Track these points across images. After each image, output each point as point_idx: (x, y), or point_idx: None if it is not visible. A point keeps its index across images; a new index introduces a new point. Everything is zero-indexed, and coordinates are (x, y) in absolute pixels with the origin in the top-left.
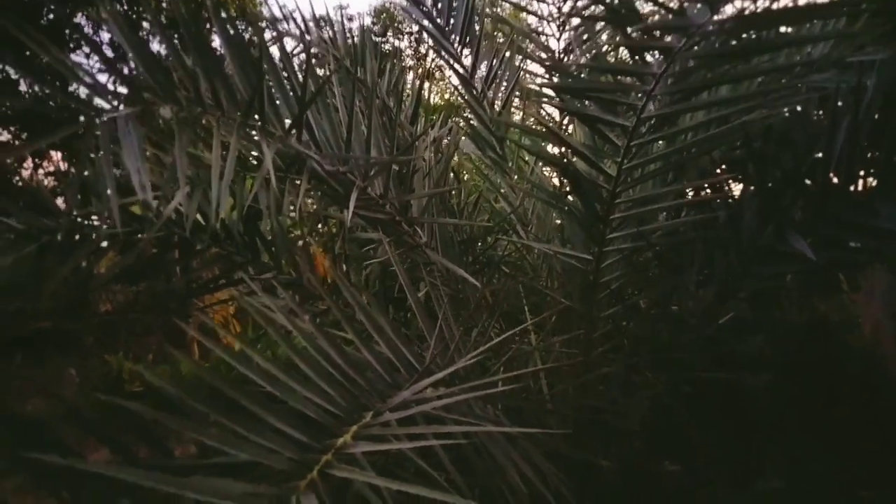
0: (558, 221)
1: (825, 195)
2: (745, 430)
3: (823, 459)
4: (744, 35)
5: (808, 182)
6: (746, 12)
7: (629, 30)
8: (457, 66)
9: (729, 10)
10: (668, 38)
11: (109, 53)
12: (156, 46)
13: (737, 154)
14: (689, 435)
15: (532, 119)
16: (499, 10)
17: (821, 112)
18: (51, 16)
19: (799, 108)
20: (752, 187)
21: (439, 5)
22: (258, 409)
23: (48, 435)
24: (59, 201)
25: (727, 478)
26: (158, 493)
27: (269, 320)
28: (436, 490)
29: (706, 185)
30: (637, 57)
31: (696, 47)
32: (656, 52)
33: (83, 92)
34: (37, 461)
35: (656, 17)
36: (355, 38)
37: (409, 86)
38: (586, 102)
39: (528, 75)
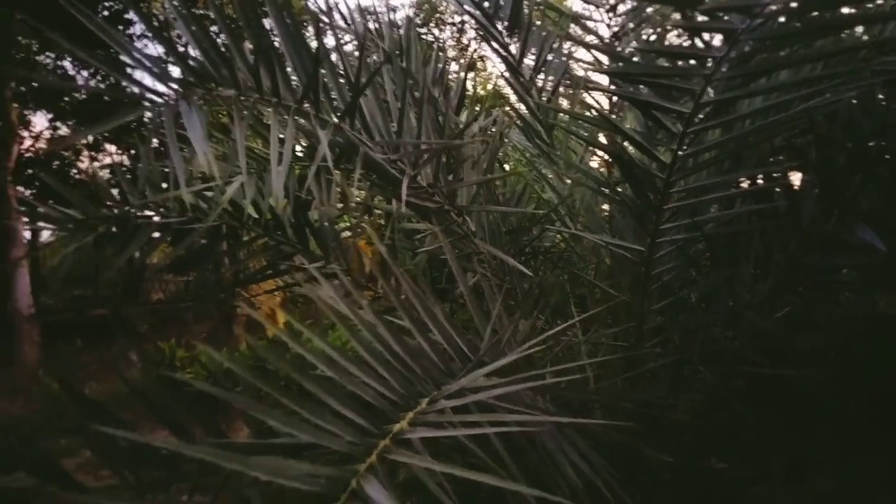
0: (606, 212)
1: (894, 182)
2: (798, 426)
3: (878, 459)
4: (806, 16)
5: (875, 168)
6: None
7: (689, 11)
8: (504, 53)
9: None
10: (729, 20)
11: (159, 48)
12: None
13: (797, 141)
14: (740, 431)
15: (579, 106)
16: None
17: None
18: (105, 12)
19: (865, 93)
20: (814, 175)
21: None
22: (320, 391)
23: (112, 415)
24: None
25: (779, 475)
26: (216, 475)
27: (330, 307)
28: (489, 476)
29: (765, 174)
30: (694, 40)
31: (759, 29)
32: (714, 35)
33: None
34: (102, 439)
35: None
36: (401, 29)
37: (452, 76)
38: (641, 88)
39: (577, 62)
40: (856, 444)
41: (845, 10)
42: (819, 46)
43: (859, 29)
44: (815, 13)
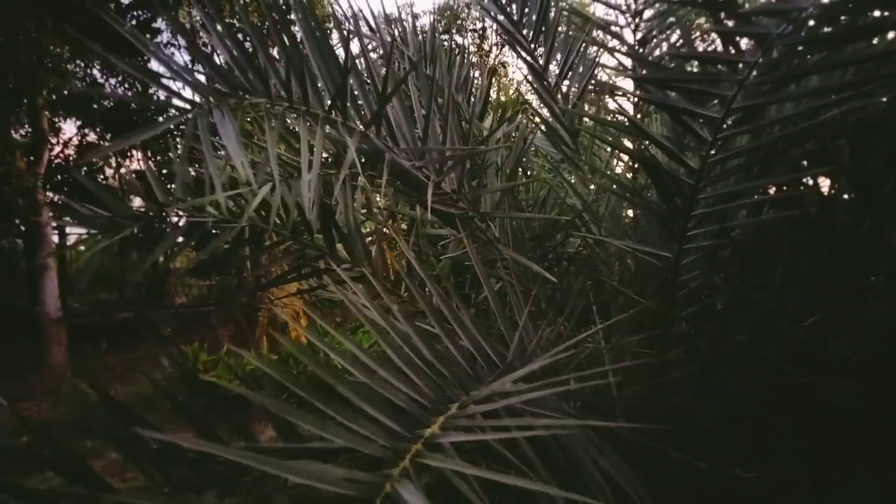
0: (630, 217)
1: None
2: (827, 436)
3: None
4: (838, 20)
5: None
6: None
7: (722, 16)
8: (530, 59)
9: None
10: (762, 24)
11: (186, 57)
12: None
13: (829, 146)
14: (768, 440)
15: (603, 111)
16: (569, 2)
17: None
18: (133, 21)
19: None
20: (845, 181)
21: None
22: (354, 396)
23: (138, 416)
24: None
25: (807, 485)
26: (245, 479)
27: (361, 311)
28: (520, 478)
29: (794, 180)
30: (725, 45)
31: (792, 34)
32: (747, 39)
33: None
34: (130, 441)
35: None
36: (425, 36)
37: (475, 82)
38: (670, 93)
39: (603, 68)
40: (888, 455)
41: (877, 14)
42: (851, 51)
43: (891, 34)
44: (846, 18)
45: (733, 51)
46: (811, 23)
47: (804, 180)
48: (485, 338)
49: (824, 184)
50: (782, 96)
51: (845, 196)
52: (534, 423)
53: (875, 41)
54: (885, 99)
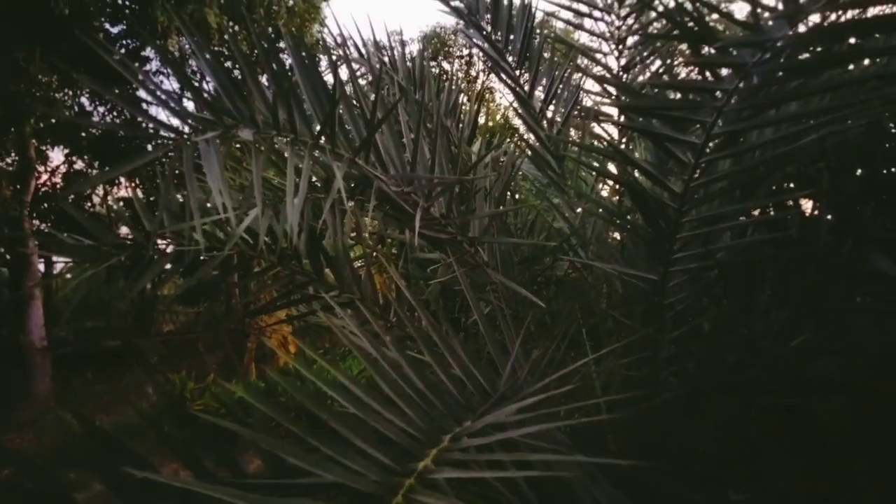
0: (617, 241)
1: None
2: (817, 457)
3: None
4: (814, 49)
5: (886, 197)
6: (824, 23)
7: (699, 46)
8: (514, 85)
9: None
10: (739, 53)
11: (176, 85)
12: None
13: (809, 169)
14: (758, 462)
15: (588, 137)
16: (553, 30)
17: (892, 126)
18: (122, 50)
19: (874, 122)
20: (826, 204)
21: (497, 25)
22: (343, 428)
23: (124, 447)
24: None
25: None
26: None
27: (350, 339)
28: None
29: (777, 203)
30: (703, 74)
31: (767, 62)
32: (724, 68)
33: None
34: (114, 471)
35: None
36: (413, 63)
37: (463, 108)
38: (652, 120)
39: (587, 94)
40: (877, 470)
41: (852, 41)
42: (827, 78)
43: (867, 61)
44: (822, 47)
45: (713, 78)
46: (789, 51)
47: (787, 203)
48: (476, 365)
49: (807, 206)
50: (761, 122)
51: (827, 218)
52: (530, 457)
53: (850, 68)
54: (861, 123)
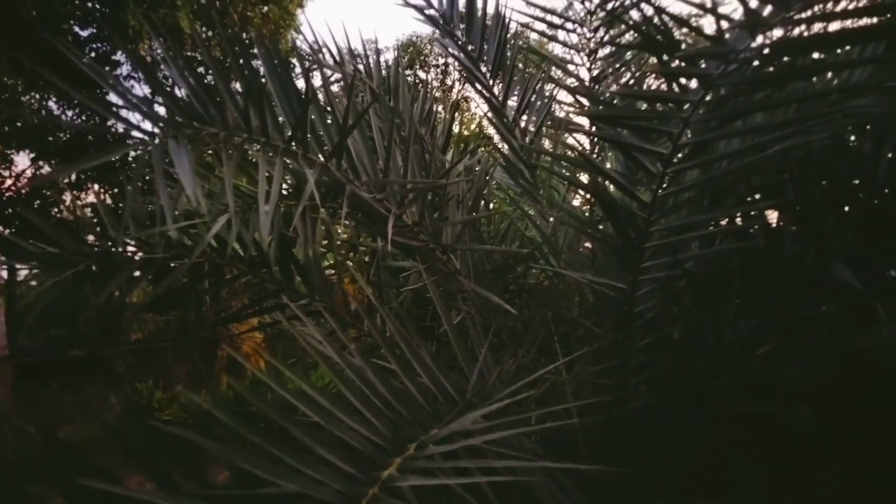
0: (589, 250)
1: (868, 222)
2: (786, 463)
3: (869, 492)
4: (778, 62)
5: (849, 208)
6: (788, 36)
7: (666, 58)
8: (488, 95)
9: (760, 38)
10: (705, 65)
11: (147, 89)
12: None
13: (774, 180)
14: (727, 469)
15: (560, 147)
16: (525, 41)
17: (853, 139)
18: (92, 55)
19: (837, 135)
20: (790, 214)
21: (471, 36)
22: (306, 437)
23: (87, 459)
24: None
25: None
26: None
27: (314, 348)
28: None
29: (743, 213)
30: (671, 84)
31: (732, 74)
32: (691, 79)
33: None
34: (75, 484)
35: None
36: (388, 70)
37: (438, 116)
38: (621, 130)
39: (559, 104)
40: (847, 479)
41: (816, 56)
42: (791, 91)
43: (830, 74)
44: (787, 59)
45: (680, 90)
46: (754, 63)
47: (752, 214)
48: (444, 373)
49: (772, 217)
50: (728, 132)
51: (792, 228)
52: (495, 464)
53: (814, 80)
54: (824, 136)
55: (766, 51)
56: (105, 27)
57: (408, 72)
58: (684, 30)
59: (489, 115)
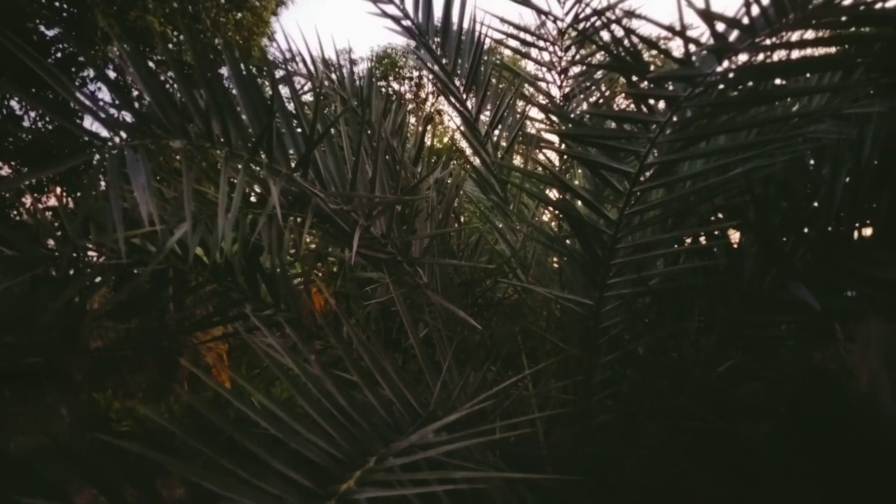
0: (557, 266)
1: (826, 243)
2: (745, 477)
3: None
4: (742, 87)
5: (807, 230)
6: (751, 63)
7: (635, 78)
8: (461, 108)
9: (725, 63)
10: (672, 88)
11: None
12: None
13: (736, 201)
14: (688, 484)
15: (531, 164)
16: (499, 57)
17: (812, 162)
18: (58, 55)
19: (796, 158)
20: (752, 235)
21: (446, 49)
22: (261, 451)
23: (35, 474)
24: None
25: None
26: None
27: (274, 359)
28: None
29: (706, 233)
30: (638, 105)
31: (699, 97)
32: (658, 100)
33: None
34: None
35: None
36: (361, 81)
37: (411, 128)
38: (589, 149)
39: (530, 121)
40: (804, 491)
41: (777, 83)
42: (754, 114)
43: (791, 99)
44: (751, 84)
45: (647, 111)
46: (719, 87)
47: (715, 233)
48: (408, 385)
49: (734, 236)
50: (692, 154)
51: (752, 248)
52: (455, 475)
53: (776, 104)
54: (784, 160)
55: (731, 75)
56: (70, 29)
57: (382, 83)
58: (653, 52)
59: (462, 128)
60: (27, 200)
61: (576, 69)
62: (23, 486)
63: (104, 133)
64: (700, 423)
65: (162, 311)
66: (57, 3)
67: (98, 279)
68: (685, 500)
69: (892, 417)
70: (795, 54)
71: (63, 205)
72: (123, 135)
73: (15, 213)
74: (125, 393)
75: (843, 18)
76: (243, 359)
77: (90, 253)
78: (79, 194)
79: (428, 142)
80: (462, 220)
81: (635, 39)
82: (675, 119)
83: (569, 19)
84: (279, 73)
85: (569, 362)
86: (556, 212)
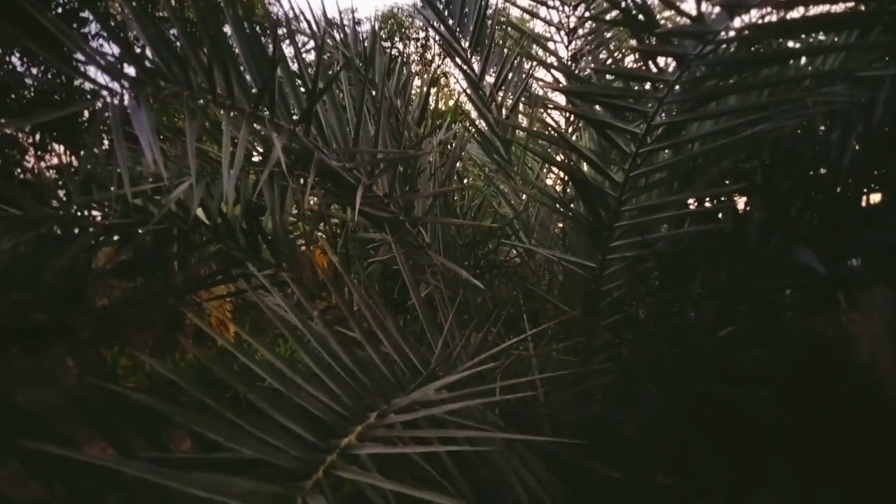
0: (560, 228)
1: (833, 208)
2: (744, 443)
3: (823, 474)
4: (753, 46)
5: (815, 194)
6: (765, 20)
7: (644, 35)
8: (466, 68)
9: (737, 21)
10: (682, 45)
11: (117, 49)
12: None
13: (743, 165)
14: (687, 447)
15: (537, 124)
16: (505, 17)
17: (823, 127)
18: (59, 9)
19: (806, 122)
20: (758, 199)
21: (451, 8)
22: (266, 404)
23: (44, 425)
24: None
25: (725, 491)
26: (153, 489)
27: (279, 316)
28: (439, 494)
29: (712, 196)
30: (647, 64)
31: (709, 55)
32: (667, 58)
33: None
34: (32, 451)
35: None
36: (365, 40)
37: (415, 90)
38: (596, 108)
39: (536, 81)
40: (803, 459)
41: (791, 43)
42: (765, 75)
43: (804, 60)
44: (763, 44)
45: (656, 69)
46: (731, 46)
47: (721, 197)
48: (410, 345)
49: (740, 201)
50: (701, 115)
51: (758, 213)
52: (456, 434)
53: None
54: (794, 123)
55: (744, 32)
56: None
57: (387, 44)
58: (665, 12)
59: (467, 89)
60: (30, 160)
61: (583, 29)
62: (32, 437)
63: (108, 86)
64: (701, 388)
65: (166, 270)
66: None
67: (102, 238)
68: (684, 463)
69: (893, 387)
70: (810, 12)
71: (67, 163)
72: (127, 84)
73: (18, 171)
74: (132, 350)
75: None
76: (247, 319)
77: (94, 212)
78: (82, 153)
79: (433, 104)
80: (465, 182)
81: None
82: (684, 78)
83: None
84: (282, 32)
85: (570, 324)
86: (561, 173)
